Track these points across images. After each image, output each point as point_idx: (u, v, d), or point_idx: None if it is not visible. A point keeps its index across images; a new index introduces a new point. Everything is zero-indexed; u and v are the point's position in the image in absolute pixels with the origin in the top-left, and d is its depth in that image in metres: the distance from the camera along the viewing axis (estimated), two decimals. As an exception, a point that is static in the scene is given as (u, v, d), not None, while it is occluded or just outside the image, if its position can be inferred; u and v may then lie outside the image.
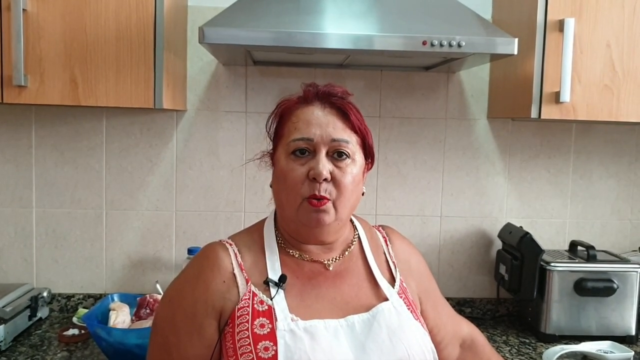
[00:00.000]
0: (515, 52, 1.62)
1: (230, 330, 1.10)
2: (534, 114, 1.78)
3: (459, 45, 1.57)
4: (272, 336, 1.07)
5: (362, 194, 1.22)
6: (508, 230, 2.12)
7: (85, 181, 2.12)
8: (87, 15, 1.67)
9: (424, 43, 1.56)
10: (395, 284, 1.24)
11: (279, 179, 1.17)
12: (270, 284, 1.14)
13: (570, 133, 2.23)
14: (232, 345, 1.09)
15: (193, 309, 1.13)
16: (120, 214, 2.14)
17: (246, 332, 1.08)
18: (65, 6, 1.66)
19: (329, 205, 1.13)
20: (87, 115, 2.09)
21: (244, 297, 1.12)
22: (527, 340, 1.99)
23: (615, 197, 2.27)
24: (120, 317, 1.75)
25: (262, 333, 1.08)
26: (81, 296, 2.14)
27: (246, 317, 1.10)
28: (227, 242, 1.21)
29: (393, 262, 1.28)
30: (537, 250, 1.97)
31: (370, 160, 1.23)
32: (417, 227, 2.23)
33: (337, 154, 1.14)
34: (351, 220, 1.30)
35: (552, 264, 1.97)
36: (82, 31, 1.67)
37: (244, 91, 2.14)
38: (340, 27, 1.61)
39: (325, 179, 1.11)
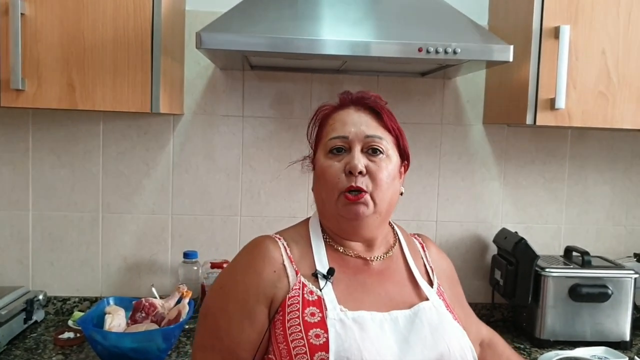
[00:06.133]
0: (511, 59, 1.63)
1: (281, 318, 1.13)
2: (529, 120, 1.79)
3: (455, 52, 1.58)
4: (322, 324, 1.10)
5: (401, 194, 1.28)
6: (503, 236, 2.13)
7: (82, 184, 2.12)
8: (84, 20, 1.67)
9: (420, 50, 1.57)
10: (434, 286, 1.28)
11: (318, 177, 1.24)
12: (318, 276, 1.18)
13: (565, 139, 2.24)
14: (282, 332, 1.12)
15: (245, 295, 1.17)
16: (117, 217, 2.14)
17: (297, 320, 1.12)
18: (63, 11, 1.67)
19: (367, 197, 1.18)
20: (84, 119, 2.10)
21: (294, 287, 1.16)
22: (522, 346, 1.99)
23: (610, 203, 2.28)
24: (116, 320, 1.75)
25: (312, 321, 1.11)
26: (77, 299, 2.14)
27: (297, 306, 1.13)
28: (275, 236, 1.25)
29: (430, 267, 1.33)
30: (532, 255, 1.97)
31: (406, 162, 1.29)
32: (412, 231, 2.20)
33: (371, 150, 1.20)
34: (392, 226, 1.35)
35: (547, 270, 1.97)
36: (80, 36, 1.68)
37: (241, 95, 2.14)
38: (336, 33, 1.61)
39: (361, 172, 1.17)
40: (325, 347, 1.07)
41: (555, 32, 1.75)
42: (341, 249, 1.24)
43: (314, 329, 1.10)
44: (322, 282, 1.17)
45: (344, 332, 1.09)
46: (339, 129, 1.22)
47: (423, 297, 1.23)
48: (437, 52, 1.57)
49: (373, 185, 1.18)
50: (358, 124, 1.21)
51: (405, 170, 1.30)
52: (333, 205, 1.20)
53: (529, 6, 1.79)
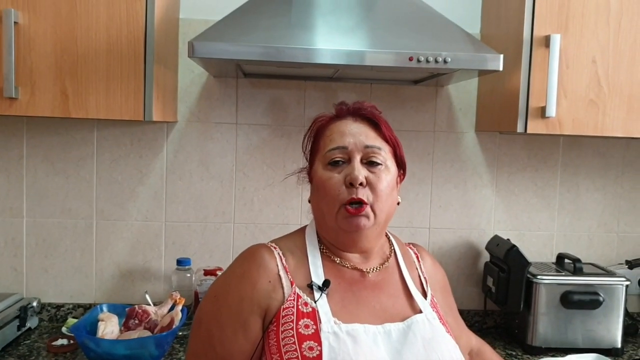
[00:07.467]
0: (501, 68, 1.63)
1: (275, 328, 1.13)
2: (520, 128, 1.80)
3: (445, 62, 1.59)
4: (316, 337, 1.11)
5: (398, 204, 1.28)
6: (495, 243, 2.14)
7: (76, 191, 2.13)
8: (78, 28, 1.68)
9: (410, 59, 1.58)
10: (427, 298, 1.29)
11: (318, 189, 1.23)
12: (313, 287, 1.18)
13: (557, 146, 2.25)
14: (275, 344, 1.12)
15: (239, 305, 1.17)
16: (110, 224, 2.15)
17: (291, 331, 1.12)
18: (57, 19, 1.68)
19: (368, 209, 1.18)
20: (78, 126, 2.11)
21: (289, 298, 1.16)
22: (514, 353, 2.00)
23: (602, 210, 2.29)
24: (109, 327, 1.76)
25: (306, 333, 1.11)
26: (71, 306, 2.14)
27: (291, 317, 1.13)
28: (271, 245, 1.24)
29: (424, 278, 1.33)
30: (523, 262, 1.98)
31: (402, 172, 1.29)
32: (405, 238, 2.19)
33: (370, 161, 1.20)
34: (387, 237, 1.35)
35: (539, 277, 1.98)
36: (73, 44, 1.68)
37: (234, 103, 2.15)
38: (328, 42, 1.62)
39: (362, 184, 1.17)
40: None
41: (546, 41, 1.76)
42: (337, 260, 1.24)
43: (308, 342, 1.10)
44: (317, 294, 1.17)
45: (337, 345, 1.09)
46: (337, 140, 1.22)
47: (417, 310, 1.23)
48: (427, 61, 1.58)
49: (373, 197, 1.18)
50: (357, 134, 1.22)
51: (402, 180, 1.30)
52: (333, 217, 1.19)
53: (519, 15, 1.81)
